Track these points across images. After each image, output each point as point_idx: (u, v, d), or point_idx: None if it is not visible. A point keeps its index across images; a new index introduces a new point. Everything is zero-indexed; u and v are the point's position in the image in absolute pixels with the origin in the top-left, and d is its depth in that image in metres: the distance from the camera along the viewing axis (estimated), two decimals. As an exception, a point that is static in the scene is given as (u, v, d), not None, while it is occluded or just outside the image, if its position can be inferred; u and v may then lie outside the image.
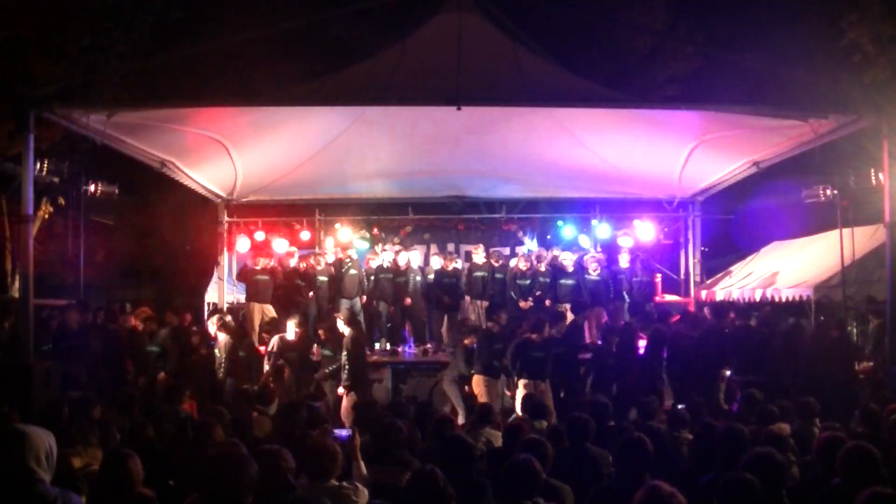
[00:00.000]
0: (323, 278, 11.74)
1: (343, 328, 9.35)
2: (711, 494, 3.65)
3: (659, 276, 13.20)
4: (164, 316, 11.17)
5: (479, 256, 11.77)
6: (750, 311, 11.48)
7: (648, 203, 13.46)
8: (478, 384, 9.02)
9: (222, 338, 9.72)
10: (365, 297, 11.81)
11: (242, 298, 12.83)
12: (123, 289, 19.45)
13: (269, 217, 13.58)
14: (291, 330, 9.68)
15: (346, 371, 8.98)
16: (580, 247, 13.15)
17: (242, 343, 9.90)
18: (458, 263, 12.22)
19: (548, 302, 11.38)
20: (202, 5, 15.00)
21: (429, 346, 11.53)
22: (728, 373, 9.56)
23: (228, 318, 10.19)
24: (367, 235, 13.53)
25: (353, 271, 11.67)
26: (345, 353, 9.06)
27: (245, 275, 11.71)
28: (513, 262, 11.95)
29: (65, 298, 12.62)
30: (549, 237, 13.76)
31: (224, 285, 13.15)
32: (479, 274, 11.53)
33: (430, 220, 14.08)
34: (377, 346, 11.55)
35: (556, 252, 12.27)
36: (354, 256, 12.01)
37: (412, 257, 12.28)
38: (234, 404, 8.35)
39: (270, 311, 11.39)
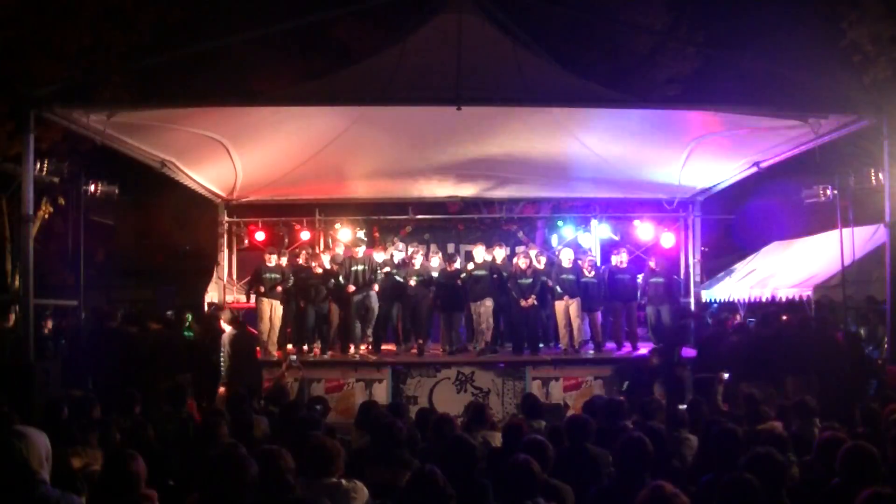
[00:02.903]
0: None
1: (225, 327, 10.11)
2: (711, 494, 3.65)
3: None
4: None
5: (479, 254, 11.67)
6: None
7: (648, 203, 13.47)
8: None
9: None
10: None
11: (242, 298, 12.83)
12: (123, 289, 19.43)
13: (269, 217, 13.59)
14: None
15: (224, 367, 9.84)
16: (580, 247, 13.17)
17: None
18: (458, 264, 12.19)
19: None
20: (202, 5, 15.02)
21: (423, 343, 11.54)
22: (726, 375, 9.56)
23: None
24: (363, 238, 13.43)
25: (360, 267, 11.29)
26: (223, 350, 9.82)
27: (256, 273, 11.61)
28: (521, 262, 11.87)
29: (65, 298, 12.64)
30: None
31: (224, 285, 13.15)
32: (479, 273, 11.46)
33: (430, 220, 14.08)
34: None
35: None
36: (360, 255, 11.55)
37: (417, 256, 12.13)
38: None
39: (279, 308, 11.37)
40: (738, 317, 9.59)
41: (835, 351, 8.98)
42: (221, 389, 9.41)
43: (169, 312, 12.33)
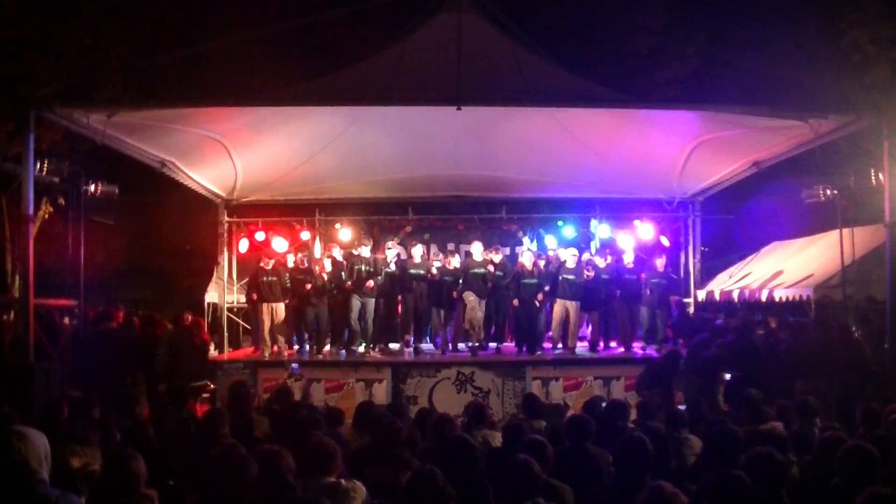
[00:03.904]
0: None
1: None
2: (708, 494, 3.65)
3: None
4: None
5: (476, 253, 11.68)
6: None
7: (648, 203, 13.47)
8: None
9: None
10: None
11: (242, 298, 12.81)
12: (123, 289, 19.42)
13: (269, 217, 13.58)
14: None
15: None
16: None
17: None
18: (457, 261, 12.16)
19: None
20: (202, 5, 15.00)
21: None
22: (728, 376, 9.54)
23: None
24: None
25: (362, 266, 11.26)
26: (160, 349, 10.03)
27: (254, 276, 11.60)
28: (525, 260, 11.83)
29: (65, 298, 12.62)
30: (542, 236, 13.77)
31: (224, 285, 13.14)
32: (477, 271, 11.44)
33: (430, 220, 14.08)
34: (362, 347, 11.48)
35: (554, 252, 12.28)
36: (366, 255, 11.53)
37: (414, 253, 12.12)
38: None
39: (280, 309, 11.36)
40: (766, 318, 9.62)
41: (856, 353, 9.04)
42: (163, 387, 9.36)
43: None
